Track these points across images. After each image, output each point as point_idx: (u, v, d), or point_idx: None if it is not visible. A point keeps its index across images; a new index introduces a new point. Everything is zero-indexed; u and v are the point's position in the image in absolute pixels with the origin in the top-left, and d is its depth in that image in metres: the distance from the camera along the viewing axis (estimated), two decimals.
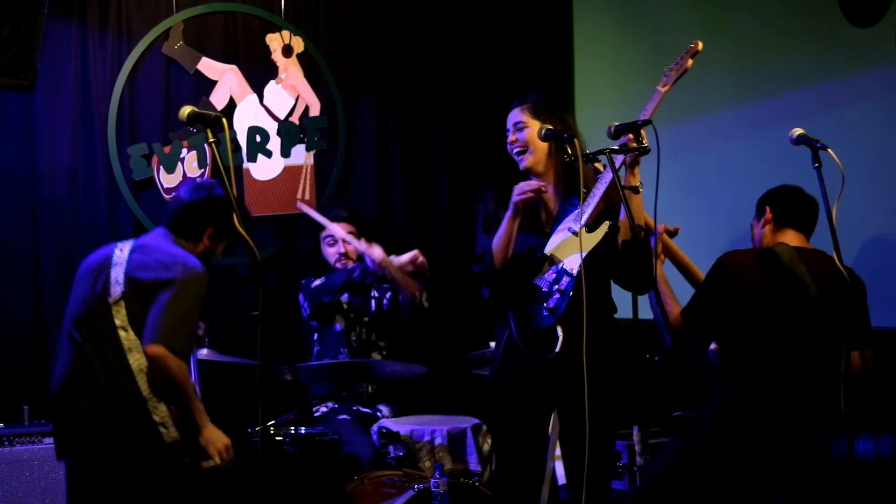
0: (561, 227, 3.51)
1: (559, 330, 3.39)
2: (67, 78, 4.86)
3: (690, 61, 3.33)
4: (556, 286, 3.45)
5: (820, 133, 3.45)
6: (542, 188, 3.50)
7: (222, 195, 3.59)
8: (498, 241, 3.55)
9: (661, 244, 3.73)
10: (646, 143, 3.22)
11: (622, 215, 3.33)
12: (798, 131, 3.49)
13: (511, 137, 3.64)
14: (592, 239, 3.40)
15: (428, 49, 5.67)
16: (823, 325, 3.48)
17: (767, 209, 3.73)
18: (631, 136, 3.23)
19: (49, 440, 4.20)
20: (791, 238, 3.66)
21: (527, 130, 3.59)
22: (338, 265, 4.95)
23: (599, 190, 3.38)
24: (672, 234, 3.79)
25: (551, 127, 3.44)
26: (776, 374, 3.49)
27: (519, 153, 3.61)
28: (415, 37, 5.65)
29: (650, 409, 3.29)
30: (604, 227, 3.41)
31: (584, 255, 3.33)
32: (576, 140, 3.35)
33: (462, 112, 5.72)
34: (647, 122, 3.22)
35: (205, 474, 3.41)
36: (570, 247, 3.45)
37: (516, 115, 3.64)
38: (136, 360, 3.32)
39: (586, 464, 3.27)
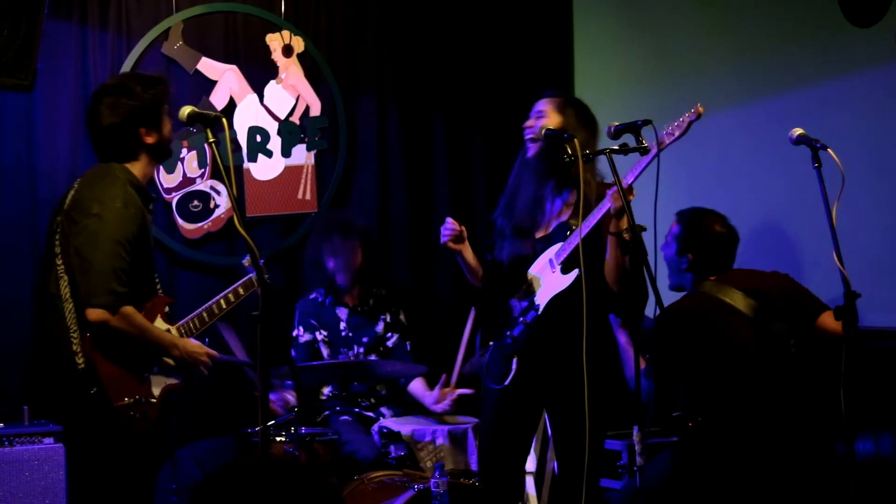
0: (548, 252, 3.50)
1: (514, 362, 3.45)
2: (67, 78, 4.86)
3: (688, 126, 3.29)
4: (523, 318, 3.47)
5: (820, 133, 3.45)
6: (460, 232, 3.64)
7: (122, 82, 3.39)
8: (464, 271, 3.74)
9: None
10: (645, 143, 3.22)
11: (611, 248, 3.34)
12: (798, 131, 3.48)
13: (529, 122, 3.63)
14: (565, 280, 3.41)
15: (428, 49, 5.67)
16: (769, 332, 3.52)
17: (690, 256, 3.73)
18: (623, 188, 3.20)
19: (49, 440, 4.20)
20: (708, 286, 3.70)
21: (542, 120, 3.58)
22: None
23: (596, 216, 3.34)
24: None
25: (552, 127, 3.42)
26: (745, 401, 3.53)
27: (531, 140, 3.61)
28: (415, 37, 5.65)
29: (650, 409, 3.28)
30: (573, 274, 3.39)
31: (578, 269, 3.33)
32: (576, 140, 3.33)
33: (463, 112, 5.72)
34: (646, 122, 3.21)
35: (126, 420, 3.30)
36: (546, 279, 3.45)
37: (542, 104, 3.64)
38: (64, 288, 3.31)
39: (586, 463, 3.27)
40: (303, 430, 4.13)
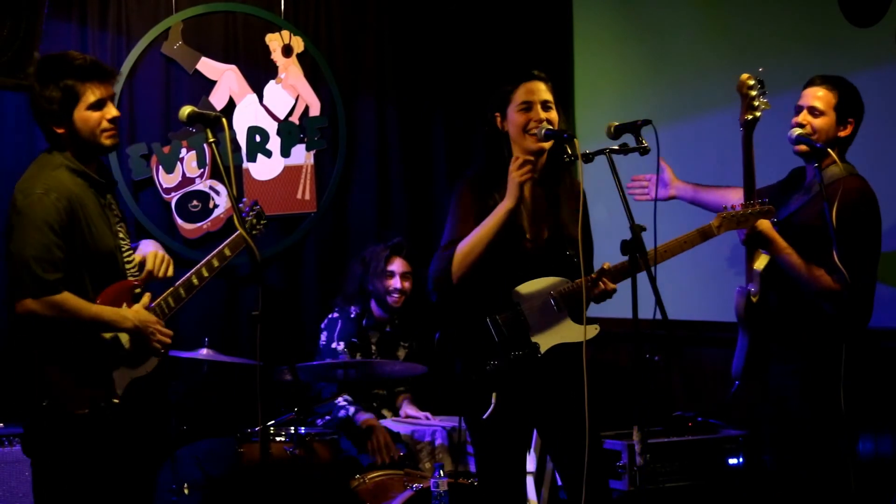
0: (546, 284, 3.27)
1: (494, 397, 3.19)
2: None
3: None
4: (514, 352, 3.23)
5: None
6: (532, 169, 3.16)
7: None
8: (472, 240, 3.21)
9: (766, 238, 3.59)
10: (645, 143, 3.21)
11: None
12: (798, 131, 3.49)
13: (540, 114, 3.32)
14: (578, 333, 3.21)
15: (428, 49, 5.67)
16: None
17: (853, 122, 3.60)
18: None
19: None
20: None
21: (552, 111, 3.35)
22: (390, 299, 4.76)
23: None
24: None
25: (552, 127, 3.38)
26: None
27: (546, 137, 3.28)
28: (415, 36, 5.65)
29: (650, 409, 3.26)
30: (594, 329, 3.23)
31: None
32: (575, 140, 3.30)
33: (462, 112, 5.73)
34: (646, 122, 3.20)
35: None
36: (545, 319, 3.24)
37: (545, 92, 3.37)
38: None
39: (586, 464, 3.24)
40: (302, 430, 4.13)
